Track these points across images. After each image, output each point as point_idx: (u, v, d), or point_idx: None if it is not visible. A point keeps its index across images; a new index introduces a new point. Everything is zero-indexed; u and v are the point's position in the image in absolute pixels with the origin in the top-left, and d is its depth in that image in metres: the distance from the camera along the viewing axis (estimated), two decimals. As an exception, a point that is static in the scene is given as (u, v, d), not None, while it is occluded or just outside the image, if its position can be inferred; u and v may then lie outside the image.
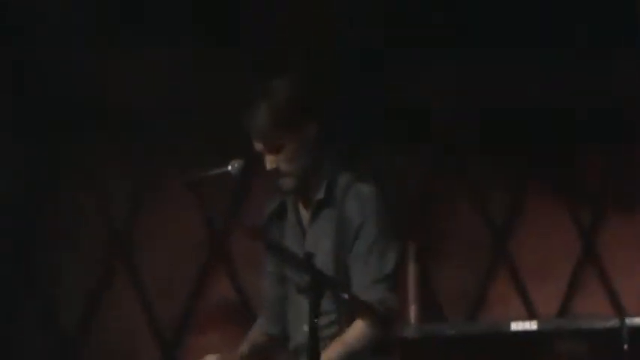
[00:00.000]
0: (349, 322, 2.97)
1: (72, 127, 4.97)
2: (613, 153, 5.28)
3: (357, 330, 2.94)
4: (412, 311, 4.94)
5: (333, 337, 2.93)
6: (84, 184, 5.08)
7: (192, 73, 4.93)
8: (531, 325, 2.77)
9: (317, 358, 2.64)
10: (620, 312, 4.80)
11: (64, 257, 5.01)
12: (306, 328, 2.93)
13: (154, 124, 4.95)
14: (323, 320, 2.73)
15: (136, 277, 5.10)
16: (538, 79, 5.06)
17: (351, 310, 2.91)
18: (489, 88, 5.05)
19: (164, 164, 5.01)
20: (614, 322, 2.68)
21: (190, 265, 5.13)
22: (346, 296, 2.81)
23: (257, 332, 3.22)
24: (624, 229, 5.35)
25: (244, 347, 3.14)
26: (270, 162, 3.05)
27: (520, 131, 5.15)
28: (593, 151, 5.28)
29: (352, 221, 3.02)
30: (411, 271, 4.93)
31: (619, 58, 4.98)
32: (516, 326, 2.79)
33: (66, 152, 5.04)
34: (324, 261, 3.00)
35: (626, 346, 2.62)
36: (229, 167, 3.06)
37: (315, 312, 2.67)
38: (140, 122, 4.95)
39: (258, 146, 3.06)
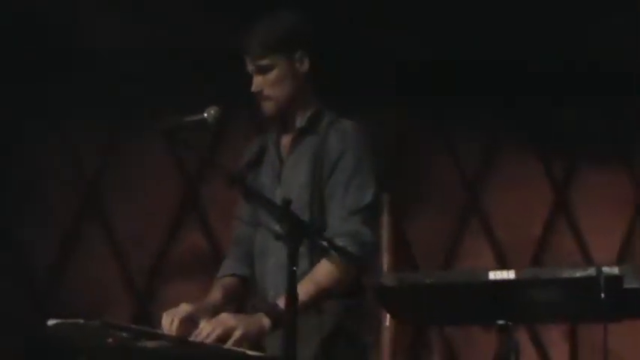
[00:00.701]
0: (321, 258, 2.97)
1: (39, 73, 4.88)
2: (587, 105, 5.30)
3: (327, 268, 2.93)
4: (385, 262, 4.96)
5: (303, 273, 2.91)
6: (53, 132, 5.01)
7: (168, 15, 4.86)
8: (509, 275, 2.76)
9: (295, 303, 2.63)
10: (591, 263, 4.87)
11: (35, 208, 4.95)
12: (274, 260, 2.95)
13: (126, 69, 4.87)
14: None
15: (107, 226, 5.06)
16: (514, 30, 5.04)
17: (324, 250, 2.90)
18: (465, 40, 5.03)
19: (136, 111, 4.95)
20: (591, 271, 2.68)
21: (162, 214, 5.10)
22: (324, 243, 2.80)
23: (227, 277, 3.21)
24: (596, 181, 5.40)
25: (217, 295, 3.13)
26: (256, 84, 3.08)
27: (495, 83, 5.14)
28: (568, 103, 5.29)
29: (332, 151, 3.04)
30: (385, 221, 4.93)
31: (596, 10, 4.97)
32: (494, 275, 2.77)
33: (33, 100, 4.95)
34: (299, 191, 3.01)
35: (603, 295, 2.62)
36: (205, 114, 3.04)
37: (293, 260, 2.66)
38: (110, 68, 4.86)
39: (249, 65, 3.08)
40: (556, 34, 5.05)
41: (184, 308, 2.97)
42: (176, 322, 2.92)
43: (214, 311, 3.01)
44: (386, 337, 4.93)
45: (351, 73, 4.95)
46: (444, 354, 5.21)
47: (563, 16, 4.99)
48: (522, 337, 3.03)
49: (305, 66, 3.08)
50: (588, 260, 5.23)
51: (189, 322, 2.96)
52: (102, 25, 4.80)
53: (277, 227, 2.97)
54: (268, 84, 3.06)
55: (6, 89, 4.87)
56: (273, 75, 3.05)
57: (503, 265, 4.97)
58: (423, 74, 5.09)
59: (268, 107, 3.09)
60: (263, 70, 3.06)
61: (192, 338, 2.85)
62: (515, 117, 5.35)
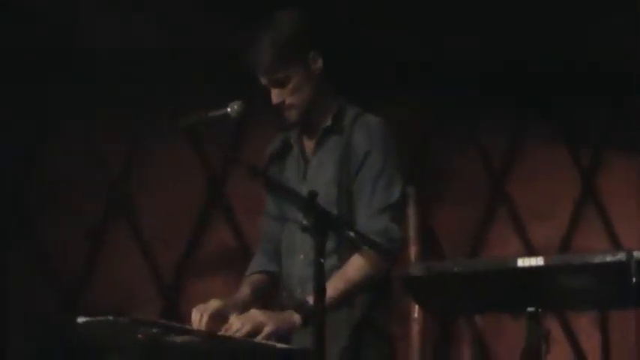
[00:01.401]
0: (350, 252, 2.96)
1: (63, 77, 4.90)
2: (614, 104, 5.28)
3: (357, 263, 2.93)
4: (413, 253, 4.95)
5: (332, 268, 2.91)
6: (78, 133, 5.03)
7: (190, 14, 4.86)
8: (538, 261, 2.75)
9: (323, 295, 2.63)
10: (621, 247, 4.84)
11: (62, 206, 4.98)
12: (302, 256, 2.94)
13: (150, 66, 4.89)
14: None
15: (134, 224, 5.08)
16: (538, 26, 5.01)
17: (353, 245, 2.90)
18: (490, 35, 5.00)
19: (161, 108, 4.96)
20: (621, 256, 2.66)
21: (189, 210, 5.11)
22: (352, 234, 2.80)
23: (256, 274, 3.21)
24: (623, 168, 5.37)
25: (246, 291, 3.13)
26: (275, 96, 3.05)
27: (524, 72, 5.12)
28: (594, 103, 5.27)
29: (359, 149, 3.02)
30: (411, 212, 4.92)
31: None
32: (523, 262, 2.76)
33: (57, 101, 4.98)
34: (325, 189, 3.00)
35: (634, 280, 2.60)
36: (228, 109, 3.04)
37: (320, 251, 2.65)
38: (134, 66, 4.88)
39: (263, 80, 3.03)
40: (580, 31, 5.01)
41: (213, 304, 2.98)
42: (205, 318, 2.93)
43: (243, 307, 3.01)
44: (415, 329, 4.92)
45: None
46: (473, 344, 5.19)
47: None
48: (552, 325, 3.02)
49: (319, 64, 3.05)
50: (617, 247, 5.19)
51: (219, 318, 2.97)
52: (121, 26, 4.81)
53: (304, 220, 2.97)
54: (288, 94, 3.02)
55: (31, 90, 4.89)
56: (291, 85, 3.02)
57: (531, 254, 4.94)
58: (450, 66, 5.07)
59: (293, 115, 3.07)
60: (280, 83, 3.02)
61: (221, 333, 2.86)
62: (541, 103, 5.32)
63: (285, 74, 3.00)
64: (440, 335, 5.16)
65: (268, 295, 3.25)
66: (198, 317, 2.95)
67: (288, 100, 3.03)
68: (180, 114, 3.11)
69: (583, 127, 5.38)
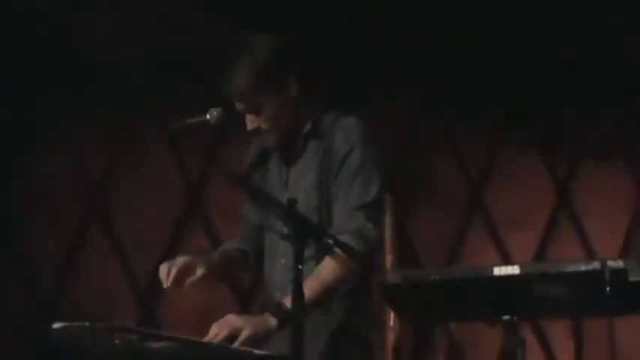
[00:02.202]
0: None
1: (40, 82, 4.89)
2: (589, 105, 5.31)
3: (331, 265, 2.93)
4: (389, 261, 4.97)
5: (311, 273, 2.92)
6: (58, 138, 5.02)
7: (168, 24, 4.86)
8: (514, 270, 2.77)
9: (301, 301, 2.64)
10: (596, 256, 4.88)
11: (40, 214, 4.96)
12: (284, 261, 2.95)
13: (127, 77, 4.88)
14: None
15: (111, 231, 5.07)
16: (516, 30, 5.05)
17: (329, 250, 2.91)
18: (466, 39, 5.03)
19: (138, 116, 4.96)
20: (596, 265, 2.69)
21: (166, 218, 5.11)
22: (330, 241, 2.81)
23: (228, 245, 3.22)
24: (599, 178, 5.41)
25: (215, 253, 3.15)
26: (250, 122, 3.04)
27: (497, 83, 5.15)
28: (569, 103, 5.31)
29: (338, 151, 3.03)
30: (388, 221, 4.93)
31: (595, 10, 4.97)
32: (499, 271, 2.78)
33: (35, 108, 4.96)
34: (306, 195, 3.02)
35: (608, 289, 2.63)
36: (208, 116, 3.04)
37: (299, 259, 2.67)
38: (113, 75, 4.87)
39: (239, 106, 3.04)
40: (556, 33, 5.05)
41: (181, 259, 2.99)
42: (173, 271, 2.93)
43: (210, 265, 3.00)
44: (390, 337, 4.93)
45: (352, 73, 4.95)
46: (448, 353, 5.21)
47: (562, 16, 4.98)
48: (527, 335, 3.03)
49: (294, 89, 3.03)
50: (591, 256, 5.23)
51: (187, 273, 2.97)
52: (102, 31, 4.81)
53: (284, 228, 2.97)
54: (263, 120, 3.02)
55: (13, 96, 4.87)
56: (266, 112, 3.00)
57: (507, 263, 4.97)
58: (425, 74, 5.09)
59: (270, 140, 3.07)
60: (255, 110, 3.01)
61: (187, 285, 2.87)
62: (517, 115, 5.36)
63: (260, 100, 2.99)
64: (416, 344, 5.17)
65: (237, 269, 3.23)
66: (166, 271, 2.94)
67: (264, 126, 3.03)
68: (162, 121, 3.11)
69: (559, 136, 5.42)
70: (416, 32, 4.98)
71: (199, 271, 2.97)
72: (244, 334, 2.84)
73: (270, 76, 2.99)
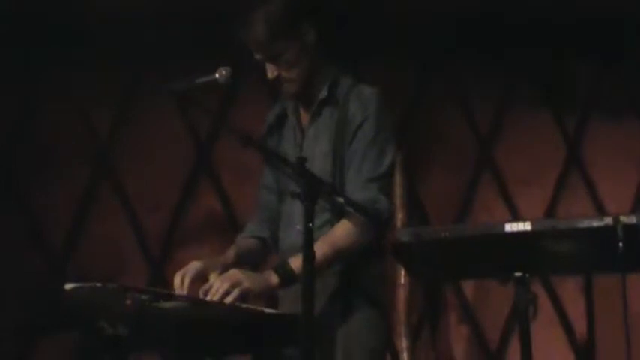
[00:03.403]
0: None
1: (47, 42, 4.86)
2: (598, 61, 5.28)
3: (344, 229, 2.92)
4: (399, 219, 4.97)
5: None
6: (66, 98, 5.00)
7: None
8: (525, 226, 2.76)
9: (312, 261, 2.64)
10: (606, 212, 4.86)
11: (50, 174, 4.96)
12: (299, 227, 2.95)
13: (134, 33, 4.85)
14: (317, 221, 2.73)
15: (121, 191, 5.07)
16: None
17: (342, 211, 2.90)
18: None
19: (147, 74, 4.93)
20: (608, 221, 2.67)
21: (176, 178, 5.10)
22: (341, 199, 2.80)
23: (245, 237, 3.22)
24: (608, 134, 5.39)
25: (230, 253, 3.15)
26: (271, 70, 3.05)
27: (508, 39, 5.11)
28: (580, 60, 5.27)
29: (354, 119, 3.03)
30: (398, 178, 4.94)
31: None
32: (510, 227, 2.77)
33: (42, 64, 4.94)
34: (321, 161, 3.01)
35: (620, 244, 2.62)
36: (217, 75, 3.02)
37: (309, 217, 2.66)
38: (120, 33, 4.84)
39: (257, 55, 3.04)
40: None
41: (194, 266, 2.99)
42: (187, 281, 2.94)
43: (224, 268, 3.01)
44: (401, 295, 4.95)
45: (360, 35, 4.91)
46: (460, 310, 5.23)
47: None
48: (538, 292, 3.03)
49: (312, 37, 3.04)
50: (602, 213, 5.22)
51: (200, 280, 2.98)
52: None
53: (295, 187, 2.97)
54: (283, 68, 3.02)
55: (20, 58, 4.85)
56: (285, 59, 3.01)
57: (517, 220, 4.96)
58: (434, 32, 5.05)
59: (290, 88, 3.07)
60: (274, 58, 3.02)
61: (201, 293, 2.87)
62: (527, 71, 5.32)
63: (279, 49, 3.00)
64: (426, 301, 5.19)
65: (257, 260, 3.25)
66: (180, 280, 2.95)
67: (284, 74, 3.04)
68: (169, 80, 3.09)
69: (569, 92, 5.39)
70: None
71: (213, 276, 2.96)
72: (243, 285, 2.83)
73: (286, 23, 2.99)
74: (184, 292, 2.94)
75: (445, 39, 5.09)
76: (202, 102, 3.09)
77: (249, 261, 3.21)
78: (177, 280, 2.97)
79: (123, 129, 5.07)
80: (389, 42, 5.00)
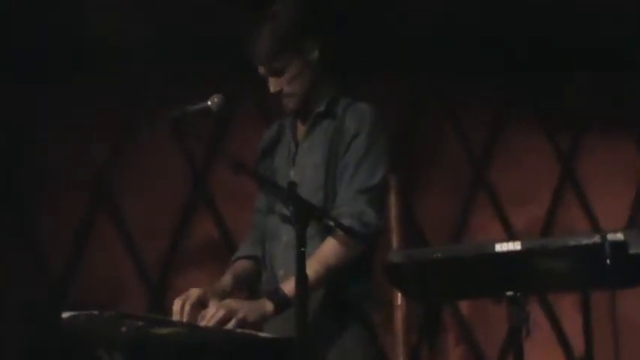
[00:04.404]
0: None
1: (44, 69, 4.91)
2: (590, 80, 5.32)
3: (332, 246, 2.94)
4: (394, 240, 5.00)
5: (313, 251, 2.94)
6: (63, 124, 5.04)
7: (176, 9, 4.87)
8: (515, 246, 2.79)
9: (305, 283, 2.66)
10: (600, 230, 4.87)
11: (48, 204, 4.99)
12: (286, 239, 2.98)
13: (134, 62, 4.90)
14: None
15: (119, 219, 5.10)
16: (519, 5, 5.03)
17: (331, 231, 2.92)
18: (469, 16, 5.02)
19: (144, 103, 4.98)
20: (596, 238, 2.70)
21: (173, 205, 5.14)
22: (331, 223, 2.83)
23: (239, 260, 3.25)
24: (602, 152, 5.42)
25: (227, 278, 3.16)
26: (273, 85, 3.09)
27: (501, 59, 5.15)
28: (570, 79, 5.31)
29: (348, 132, 3.07)
30: (393, 201, 4.97)
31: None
32: (500, 247, 2.80)
33: (42, 92, 4.98)
34: (313, 172, 3.05)
35: (608, 261, 2.65)
36: (209, 102, 3.06)
37: (301, 241, 2.69)
38: (118, 60, 4.88)
39: (261, 70, 3.09)
40: (561, 8, 5.02)
41: (194, 293, 3.00)
42: (187, 308, 2.96)
43: (224, 294, 3.04)
44: (398, 316, 4.97)
45: (356, 52, 4.95)
46: (457, 331, 5.24)
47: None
48: (535, 309, 3.06)
49: (316, 54, 3.09)
50: (597, 229, 5.24)
51: (200, 307, 3.00)
52: (105, 21, 4.81)
53: (286, 211, 2.99)
54: (285, 83, 3.07)
55: (17, 86, 4.90)
56: (288, 74, 3.06)
57: (512, 239, 4.98)
58: (428, 50, 5.09)
59: (290, 103, 3.11)
60: (277, 73, 3.07)
61: (200, 319, 2.89)
62: (520, 90, 5.36)
63: (282, 63, 3.05)
64: (424, 322, 5.20)
65: (253, 281, 3.27)
66: (179, 307, 2.98)
67: (286, 89, 3.08)
68: (165, 108, 3.13)
69: (561, 111, 5.43)
70: (416, 8, 4.96)
71: (212, 303, 2.96)
72: (238, 316, 2.85)
73: (291, 39, 3.05)
74: (185, 318, 2.96)
75: (440, 61, 5.13)
76: (197, 130, 3.13)
77: (247, 283, 3.22)
78: (176, 306, 2.99)
79: (120, 158, 5.11)
80: (385, 64, 5.04)
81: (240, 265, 3.24)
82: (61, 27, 4.77)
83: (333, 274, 2.96)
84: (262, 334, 2.83)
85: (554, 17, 5.02)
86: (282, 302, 2.87)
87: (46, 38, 4.80)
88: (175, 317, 2.97)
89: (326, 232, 2.94)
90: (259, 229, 3.25)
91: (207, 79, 4.62)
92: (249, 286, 3.24)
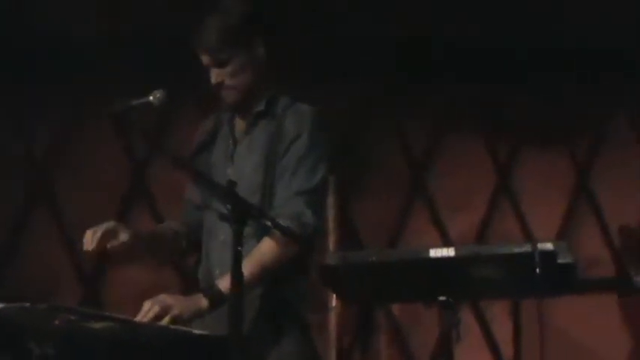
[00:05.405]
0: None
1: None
2: (529, 93, 5.41)
3: (269, 246, 2.96)
4: (331, 242, 5.03)
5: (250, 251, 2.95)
6: (2, 119, 4.98)
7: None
8: (449, 252, 2.84)
9: (241, 282, 2.68)
10: (533, 239, 4.97)
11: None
12: (223, 237, 2.99)
13: (76, 54, 4.86)
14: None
15: (56, 211, 5.05)
16: (460, 17, 5.10)
17: (269, 230, 2.94)
18: (413, 25, 5.07)
19: (84, 95, 4.94)
20: (527, 247, 2.77)
21: (111, 199, 5.11)
22: (268, 223, 2.84)
23: (164, 225, 3.28)
24: (538, 163, 5.52)
25: (144, 229, 3.18)
26: (215, 75, 3.09)
27: (441, 68, 5.21)
28: (511, 91, 5.39)
29: (288, 133, 3.08)
30: (331, 202, 4.99)
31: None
32: (435, 253, 2.85)
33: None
34: (251, 173, 3.06)
35: (538, 270, 2.71)
36: (151, 97, 3.06)
37: (238, 240, 2.70)
38: (59, 53, 4.84)
39: (205, 59, 3.09)
40: (500, 21, 5.10)
41: (106, 224, 3.02)
42: (98, 234, 2.96)
43: (135, 235, 3.05)
44: (332, 318, 5.00)
45: (301, 56, 4.97)
46: (390, 334, 5.29)
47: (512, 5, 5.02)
48: (466, 315, 3.11)
49: (261, 52, 3.11)
50: (529, 239, 5.33)
51: (110, 236, 3.00)
52: (53, 9, 4.76)
53: (223, 209, 3.00)
54: (228, 75, 3.08)
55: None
56: (232, 66, 3.07)
57: (448, 245, 5.04)
58: (374, 56, 5.12)
59: (230, 97, 3.11)
60: (221, 64, 3.08)
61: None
62: (461, 100, 5.43)
63: (227, 55, 3.06)
64: (357, 324, 5.24)
65: (164, 245, 3.21)
66: (91, 234, 2.97)
67: (228, 82, 3.09)
68: (107, 103, 3.12)
69: (500, 122, 5.51)
70: (366, 12, 4.99)
71: (123, 236, 3.01)
72: (173, 312, 2.86)
73: (238, 32, 3.06)
74: (94, 244, 2.96)
75: (380, 65, 5.18)
76: (139, 124, 3.12)
77: (158, 244, 3.19)
78: (88, 235, 2.99)
79: (59, 150, 5.07)
80: (324, 67, 5.07)
81: (162, 227, 3.25)
82: (4, 15, 4.72)
83: (269, 274, 2.97)
84: (197, 331, 2.84)
85: (499, 28, 5.08)
86: (217, 299, 2.88)
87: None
88: (85, 247, 2.97)
89: (263, 232, 2.96)
90: (189, 219, 3.25)
91: (152, 73, 4.60)
92: (158, 248, 3.21)
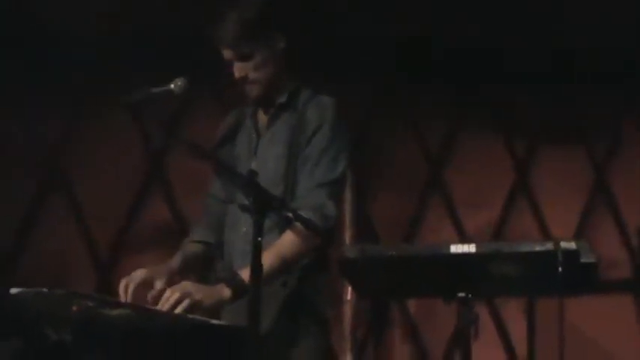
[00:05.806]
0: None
1: (6, 48, 4.84)
2: (547, 92, 5.38)
3: (290, 238, 2.95)
4: (347, 237, 5.02)
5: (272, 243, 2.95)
6: (17, 107, 4.98)
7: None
8: (470, 248, 2.82)
9: (259, 274, 2.66)
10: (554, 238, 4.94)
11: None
12: (245, 229, 2.98)
13: (89, 41, 4.85)
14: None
15: (71, 197, 5.05)
16: (477, 17, 5.07)
17: (290, 222, 2.93)
18: (430, 23, 5.04)
19: (101, 83, 4.93)
20: (549, 246, 2.75)
21: (127, 186, 5.10)
22: (290, 214, 2.83)
23: (190, 243, 3.25)
24: (556, 161, 5.49)
25: (177, 260, 3.16)
26: (238, 70, 3.10)
27: (460, 63, 5.18)
28: (531, 90, 5.36)
29: (310, 124, 3.09)
30: (348, 197, 4.98)
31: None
32: (455, 249, 2.84)
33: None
34: (275, 164, 3.06)
35: (560, 269, 2.70)
36: (172, 85, 3.06)
37: (258, 231, 2.69)
38: (72, 42, 4.83)
39: (227, 54, 3.09)
40: (521, 24, 5.06)
41: (139, 273, 3.01)
42: (131, 287, 2.95)
43: (169, 276, 3.03)
44: (347, 311, 4.99)
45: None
46: (404, 328, 5.28)
47: (528, 6, 4.99)
48: (481, 312, 3.09)
49: (282, 45, 3.12)
50: (547, 237, 5.31)
51: (145, 287, 2.99)
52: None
53: (245, 200, 2.99)
54: (251, 69, 3.09)
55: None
56: (255, 60, 3.08)
57: (464, 242, 5.02)
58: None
59: (254, 90, 3.12)
60: (244, 58, 3.08)
61: (149, 298, 2.88)
62: (479, 96, 5.41)
63: (250, 49, 3.07)
64: (372, 318, 5.23)
65: (202, 265, 3.25)
66: (124, 287, 2.96)
67: (251, 75, 3.10)
68: (124, 91, 3.11)
69: (519, 119, 5.48)
70: (381, 11, 4.98)
71: (158, 285, 2.98)
72: (193, 298, 2.84)
73: (260, 26, 3.08)
74: (129, 299, 2.95)
75: (397, 62, 5.15)
76: (157, 113, 3.11)
77: (195, 267, 3.22)
78: (121, 287, 2.98)
79: (75, 138, 5.06)
80: (341, 64, 5.05)
81: (190, 249, 3.24)
82: (18, 5, 4.71)
83: (289, 267, 2.96)
84: (214, 321, 2.83)
85: (511, 30, 5.05)
86: (239, 289, 2.87)
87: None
88: (121, 298, 2.96)
89: (285, 224, 2.95)
90: (213, 215, 3.25)
91: (168, 62, 4.59)
92: (196, 270, 3.23)
